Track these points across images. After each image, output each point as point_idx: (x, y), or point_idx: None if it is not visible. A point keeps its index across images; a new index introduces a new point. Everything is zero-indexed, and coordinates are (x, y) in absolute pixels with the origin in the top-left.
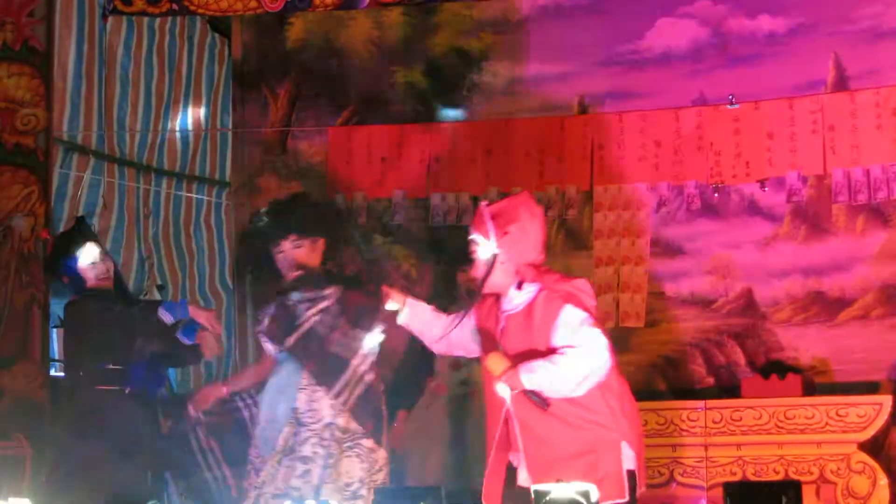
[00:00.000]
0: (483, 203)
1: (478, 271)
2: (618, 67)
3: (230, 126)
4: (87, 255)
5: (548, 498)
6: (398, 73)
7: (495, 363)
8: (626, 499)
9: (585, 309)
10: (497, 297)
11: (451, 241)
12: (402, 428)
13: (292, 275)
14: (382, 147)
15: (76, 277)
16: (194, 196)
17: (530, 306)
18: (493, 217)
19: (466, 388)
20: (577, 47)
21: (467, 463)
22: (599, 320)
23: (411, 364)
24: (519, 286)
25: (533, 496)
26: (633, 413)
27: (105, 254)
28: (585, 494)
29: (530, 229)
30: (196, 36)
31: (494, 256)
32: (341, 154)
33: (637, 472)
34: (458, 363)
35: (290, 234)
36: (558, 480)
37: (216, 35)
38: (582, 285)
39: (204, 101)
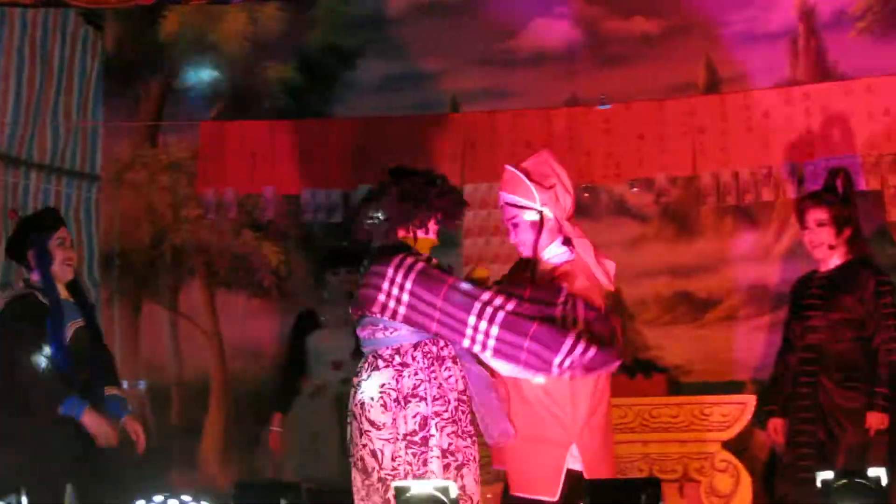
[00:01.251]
0: (506, 167)
1: (522, 235)
2: (491, 66)
3: (101, 119)
4: (59, 235)
5: (407, 494)
6: (271, 68)
7: (480, 277)
8: (555, 499)
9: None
10: (527, 264)
11: (321, 238)
12: (277, 430)
13: None
14: (254, 142)
15: (43, 253)
16: (63, 189)
17: (555, 276)
18: (531, 176)
19: (348, 386)
20: (451, 45)
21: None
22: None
23: (285, 366)
24: (565, 241)
25: (393, 492)
26: (597, 425)
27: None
28: (444, 491)
29: (567, 182)
30: (69, 28)
31: (542, 215)
32: (213, 149)
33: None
34: (339, 362)
35: None
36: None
37: (89, 28)
38: (609, 267)
39: (76, 93)
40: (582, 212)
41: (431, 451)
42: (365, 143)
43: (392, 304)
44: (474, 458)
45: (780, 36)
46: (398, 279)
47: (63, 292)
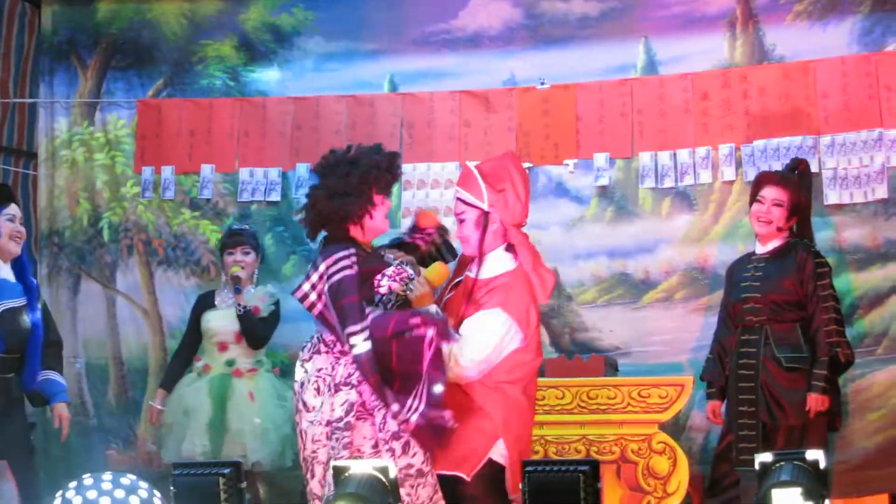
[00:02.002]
0: (471, 164)
1: (466, 232)
2: (430, 46)
3: (39, 97)
4: (8, 211)
5: (347, 474)
6: (209, 46)
7: (437, 275)
8: (467, 477)
9: (512, 313)
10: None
11: (257, 216)
12: (157, 406)
13: None
14: (192, 121)
15: None
16: (1, 167)
17: (495, 286)
18: (485, 176)
19: (231, 368)
20: (389, 25)
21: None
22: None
23: (179, 344)
24: (509, 248)
25: (332, 471)
26: (521, 425)
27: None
28: (384, 471)
29: (520, 189)
30: (6, 4)
31: (487, 216)
32: (150, 127)
33: (507, 471)
34: (225, 344)
35: None
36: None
37: (26, 4)
38: (547, 279)
39: (12, 71)
40: None
41: (357, 437)
42: (303, 122)
43: (313, 297)
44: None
45: (717, 18)
46: (322, 279)
47: (5, 272)
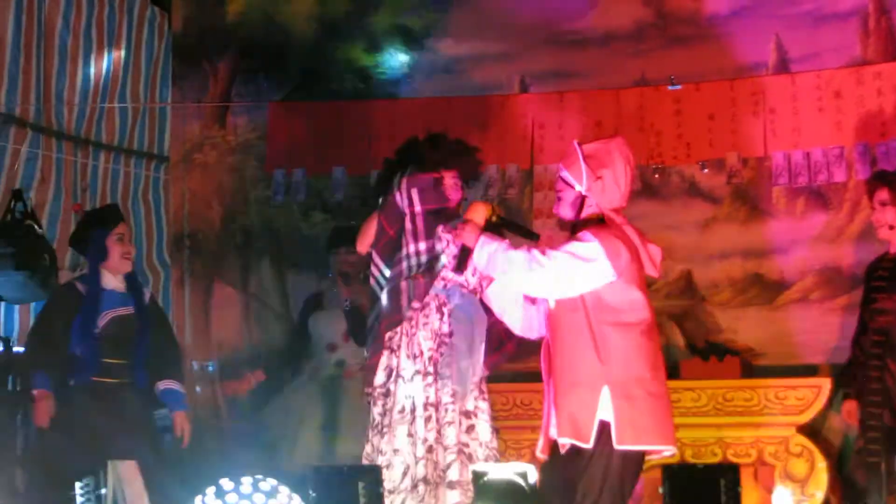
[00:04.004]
0: (575, 141)
1: (561, 210)
2: (560, 47)
3: (169, 100)
4: (118, 231)
5: (485, 479)
6: (339, 49)
7: (478, 212)
8: (590, 446)
9: (597, 235)
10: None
11: None
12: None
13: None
14: (322, 123)
15: (100, 248)
16: (132, 170)
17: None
18: (587, 158)
19: (341, 369)
20: (519, 26)
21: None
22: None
23: (287, 348)
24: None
25: (471, 476)
26: (631, 362)
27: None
28: (524, 475)
29: (621, 176)
30: (136, 9)
31: (583, 198)
32: (281, 130)
33: (615, 426)
34: (334, 345)
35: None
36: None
37: (156, 8)
38: (654, 253)
39: (143, 74)
40: (653, 193)
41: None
42: (433, 124)
43: None
44: None
45: (849, 15)
46: None
47: (116, 283)
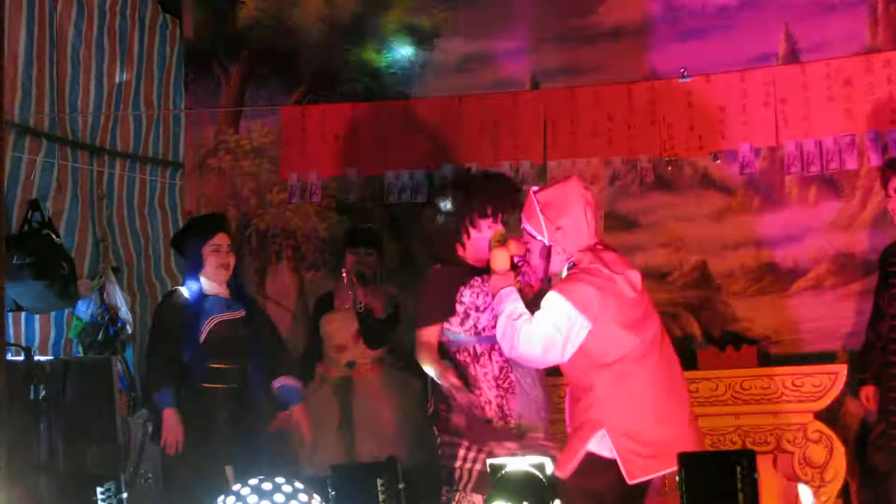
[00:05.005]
0: (532, 189)
1: (532, 260)
2: (570, 42)
3: (182, 107)
4: (214, 242)
5: (503, 472)
6: (350, 50)
7: (504, 259)
8: (566, 475)
9: (563, 291)
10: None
11: (405, 219)
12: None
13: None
14: (335, 125)
15: (195, 258)
16: (148, 177)
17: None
18: (544, 209)
19: (351, 369)
20: (529, 23)
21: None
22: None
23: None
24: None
25: (488, 469)
26: (630, 402)
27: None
28: (541, 468)
29: (580, 219)
30: (147, 16)
31: (549, 249)
32: (294, 133)
33: (622, 463)
34: (342, 346)
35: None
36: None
37: (167, 15)
38: (633, 277)
39: (156, 81)
40: (666, 185)
41: None
42: (446, 122)
43: None
44: None
45: (858, 3)
46: None
47: (219, 289)
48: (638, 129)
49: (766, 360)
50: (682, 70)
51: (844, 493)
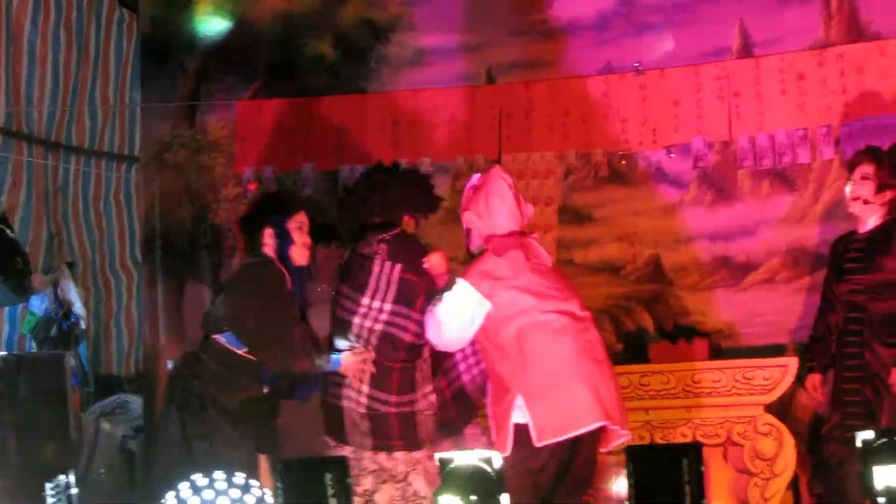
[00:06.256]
0: (474, 176)
1: (466, 240)
2: (525, 37)
3: (139, 101)
4: (299, 219)
5: (451, 466)
6: (306, 45)
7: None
8: (507, 453)
9: (471, 277)
10: None
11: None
12: None
13: None
14: (291, 120)
15: (283, 234)
16: (103, 172)
17: None
18: (466, 195)
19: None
20: (484, 17)
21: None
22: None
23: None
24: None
25: (437, 463)
26: (540, 365)
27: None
28: (488, 461)
29: (494, 206)
30: (104, 11)
31: (469, 230)
32: (250, 127)
33: (532, 427)
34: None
35: None
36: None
37: (124, 10)
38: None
39: (112, 76)
40: (620, 179)
41: None
42: (402, 117)
43: None
44: None
45: None
46: None
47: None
48: (592, 124)
49: (717, 353)
50: (636, 64)
51: (794, 485)
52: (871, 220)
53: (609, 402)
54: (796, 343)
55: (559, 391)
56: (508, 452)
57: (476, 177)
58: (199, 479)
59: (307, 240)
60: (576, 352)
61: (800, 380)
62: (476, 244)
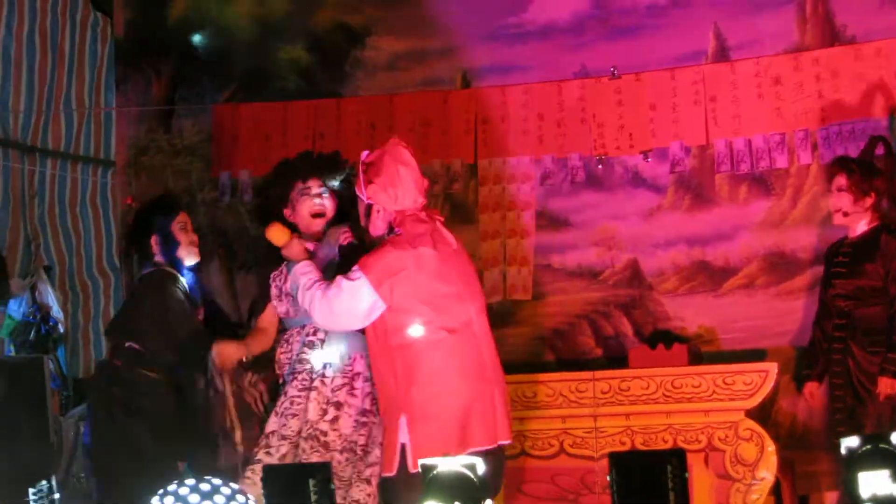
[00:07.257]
0: (364, 152)
1: (362, 219)
2: (500, 41)
3: (114, 105)
4: (180, 220)
5: (434, 473)
6: (281, 49)
7: (278, 234)
8: (393, 473)
9: (364, 266)
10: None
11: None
12: None
13: None
14: (266, 124)
15: (168, 237)
16: (79, 176)
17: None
18: (364, 168)
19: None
20: (459, 21)
21: None
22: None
23: None
24: (390, 232)
25: (420, 470)
26: (427, 386)
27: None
28: (472, 468)
29: (398, 178)
30: (78, 14)
31: (369, 206)
32: (226, 131)
33: (408, 446)
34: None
35: None
36: None
37: (98, 14)
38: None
39: (87, 80)
40: (597, 184)
41: None
42: (377, 121)
43: None
44: None
45: (787, 2)
46: None
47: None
48: (568, 128)
49: (697, 358)
50: (612, 68)
51: (776, 490)
52: (859, 225)
53: (494, 422)
54: (776, 348)
55: (440, 416)
56: (395, 473)
57: (365, 153)
58: (180, 488)
59: (193, 237)
60: (463, 375)
61: (779, 385)
62: (380, 228)
